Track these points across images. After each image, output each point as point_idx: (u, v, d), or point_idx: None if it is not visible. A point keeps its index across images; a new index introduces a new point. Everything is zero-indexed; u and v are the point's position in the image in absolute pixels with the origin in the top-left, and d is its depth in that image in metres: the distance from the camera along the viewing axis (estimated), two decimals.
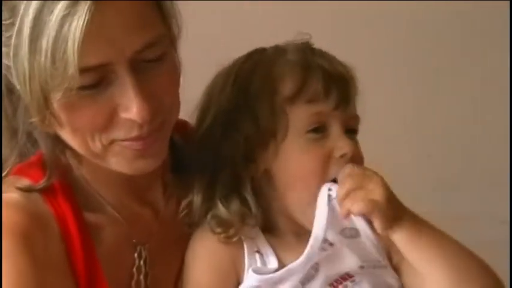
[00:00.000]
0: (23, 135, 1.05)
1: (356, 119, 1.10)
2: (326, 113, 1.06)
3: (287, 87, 1.06)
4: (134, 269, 1.11)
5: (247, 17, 2.07)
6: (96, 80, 0.95)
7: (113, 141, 1.00)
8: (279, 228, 1.10)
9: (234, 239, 1.06)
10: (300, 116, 1.06)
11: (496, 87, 2.30)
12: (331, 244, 1.06)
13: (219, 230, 1.07)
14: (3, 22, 0.94)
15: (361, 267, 1.07)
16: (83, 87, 0.94)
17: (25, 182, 1.06)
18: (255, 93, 1.07)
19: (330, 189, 1.05)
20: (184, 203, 1.11)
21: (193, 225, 1.10)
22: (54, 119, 0.96)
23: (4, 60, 0.96)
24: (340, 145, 1.06)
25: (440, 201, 2.20)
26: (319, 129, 1.06)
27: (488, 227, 2.20)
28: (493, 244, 2.17)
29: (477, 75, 2.28)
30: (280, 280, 1.05)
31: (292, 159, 1.06)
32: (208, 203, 1.08)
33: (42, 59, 0.91)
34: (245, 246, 1.07)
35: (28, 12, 0.91)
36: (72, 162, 1.09)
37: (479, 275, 1.03)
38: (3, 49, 0.96)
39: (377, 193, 1.01)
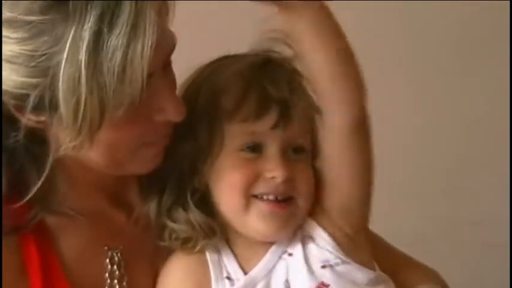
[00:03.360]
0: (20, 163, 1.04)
1: (301, 137, 1.09)
2: (261, 132, 1.06)
3: (224, 103, 1.07)
4: (107, 275, 1.10)
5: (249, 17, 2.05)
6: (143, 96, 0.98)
7: (142, 145, 1.04)
8: (237, 237, 1.11)
9: (196, 249, 1.08)
10: (234, 134, 1.07)
11: (496, 88, 2.29)
12: (290, 254, 1.08)
13: (177, 243, 1.09)
14: (40, 53, 0.95)
15: (323, 266, 1.07)
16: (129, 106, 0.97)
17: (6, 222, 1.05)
18: (199, 106, 1.09)
19: None
20: (135, 214, 1.13)
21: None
22: (91, 141, 0.97)
23: (26, 91, 0.96)
24: (271, 167, 1.05)
25: (439, 205, 2.21)
26: (254, 148, 1.06)
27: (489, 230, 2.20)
28: (494, 246, 2.18)
29: (477, 76, 2.28)
30: None
31: (223, 174, 1.07)
32: (160, 217, 1.10)
33: (106, 79, 0.93)
34: (212, 276, 1.07)
35: (81, 39, 0.93)
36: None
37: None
38: (32, 80, 0.96)
39: None
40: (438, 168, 2.24)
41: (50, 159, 1.02)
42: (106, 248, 1.11)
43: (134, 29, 0.92)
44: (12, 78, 0.96)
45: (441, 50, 2.24)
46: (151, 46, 0.93)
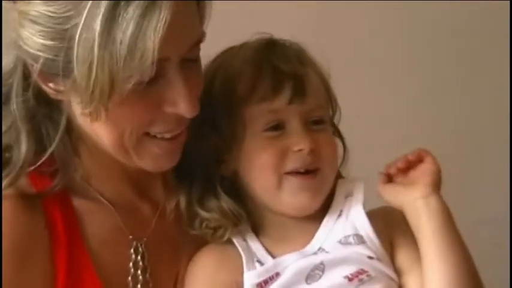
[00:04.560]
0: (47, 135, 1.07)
1: (319, 109, 1.11)
2: (280, 109, 1.08)
3: (239, 88, 1.09)
4: (131, 264, 1.11)
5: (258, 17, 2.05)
6: (151, 75, 0.98)
7: (147, 135, 1.04)
8: (268, 224, 1.12)
9: (225, 238, 1.09)
10: (255, 116, 1.09)
11: (496, 87, 2.29)
12: (326, 252, 1.09)
13: (208, 232, 1.10)
14: (58, 15, 0.97)
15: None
16: (139, 83, 0.98)
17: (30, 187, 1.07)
18: (215, 97, 1.10)
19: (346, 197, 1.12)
20: (169, 207, 1.14)
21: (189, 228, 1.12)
22: (104, 112, 0.99)
23: (45, 55, 0.99)
24: (296, 140, 1.08)
25: None
26: (277, 127, 1.09)
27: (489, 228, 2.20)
28: (494, 246, 2.18)
29: (477, 75, 2.28)
30: (277, 272, 1.07)
31: (252, 157, 1.09)
32: (191, 206, 1.12)
33: (117, 50, 0.94)
34: (243, 259, 1.08)
35: (99, 7, 0.94)
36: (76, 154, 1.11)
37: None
38: (50, 42, 0.98)
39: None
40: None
41: (62, 127, 1.05)
42: (131, 237, 1.12)
43: (151, 4, 0.94)
44: (34, 39, 0.99)
45: (441, 50, 2.24)
46: (164, 24, 0.94)
